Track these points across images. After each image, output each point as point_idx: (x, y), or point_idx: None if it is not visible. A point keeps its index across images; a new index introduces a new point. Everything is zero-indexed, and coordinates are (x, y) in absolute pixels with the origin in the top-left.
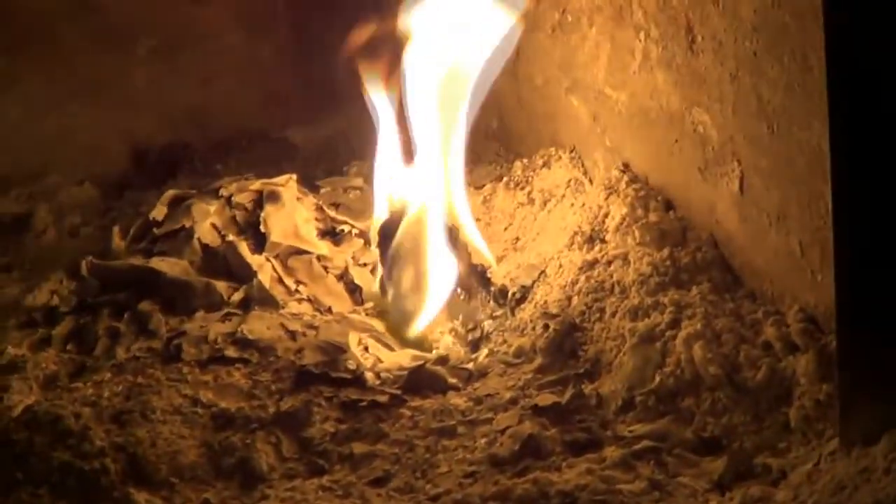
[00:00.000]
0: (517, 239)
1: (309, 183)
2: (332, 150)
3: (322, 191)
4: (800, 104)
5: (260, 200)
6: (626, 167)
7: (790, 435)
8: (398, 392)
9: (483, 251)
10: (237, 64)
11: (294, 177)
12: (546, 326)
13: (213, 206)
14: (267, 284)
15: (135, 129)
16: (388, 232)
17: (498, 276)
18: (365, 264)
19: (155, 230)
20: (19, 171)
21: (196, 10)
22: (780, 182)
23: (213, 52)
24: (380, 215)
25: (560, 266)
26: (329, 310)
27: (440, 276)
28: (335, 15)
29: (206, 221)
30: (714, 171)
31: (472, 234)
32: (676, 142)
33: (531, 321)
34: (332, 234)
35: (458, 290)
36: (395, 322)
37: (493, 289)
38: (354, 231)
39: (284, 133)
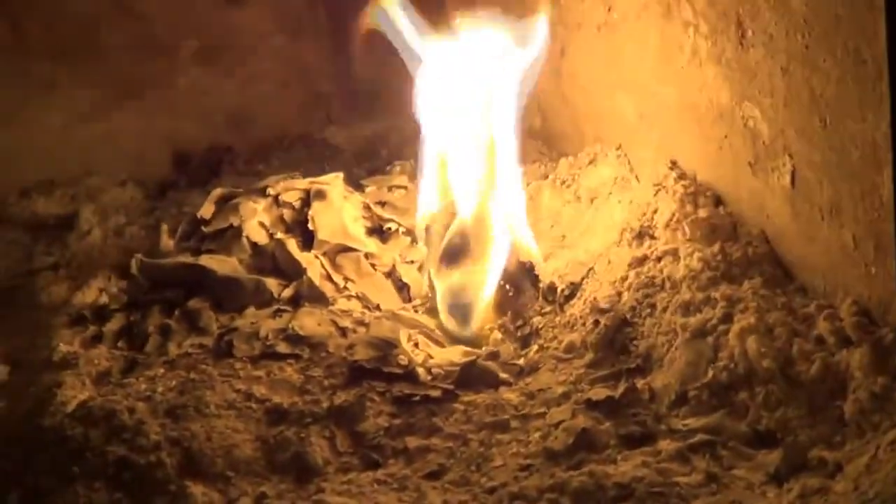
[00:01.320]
0: (564, 236)
1: (352, 182)
2: (374, 150)
3: (367, 189)
4: (853, 97)
5: (307, 199)
6: (674, 163)
7: (845, 428)
8: (450, 387)
9: (531, 248)
10: (278, 66)
11: (341, 175)
12: (596, 322)
13: (261, 205)
14: (316, 281)
15: (177, 133)
16: (435, 229)
17: (546, 272)
18: (412, 262)
19: (203, 228)
20: (63, 174)
21: (237, 13)
22: (833, 175)
23: (255, 54)
24: (426, 213)
25: (609, 262)
26: (377, 307)
27: (490, 272)
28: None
29: (254, 219)
30: (765, 165)
31: (522, 231)
32: (726, 137)
33: (581, 317)
34: (378, 231)
35: (507, 286)
36: (444, 318)
37: (541, 285)
38: (401, 229)
39: (326, 134)
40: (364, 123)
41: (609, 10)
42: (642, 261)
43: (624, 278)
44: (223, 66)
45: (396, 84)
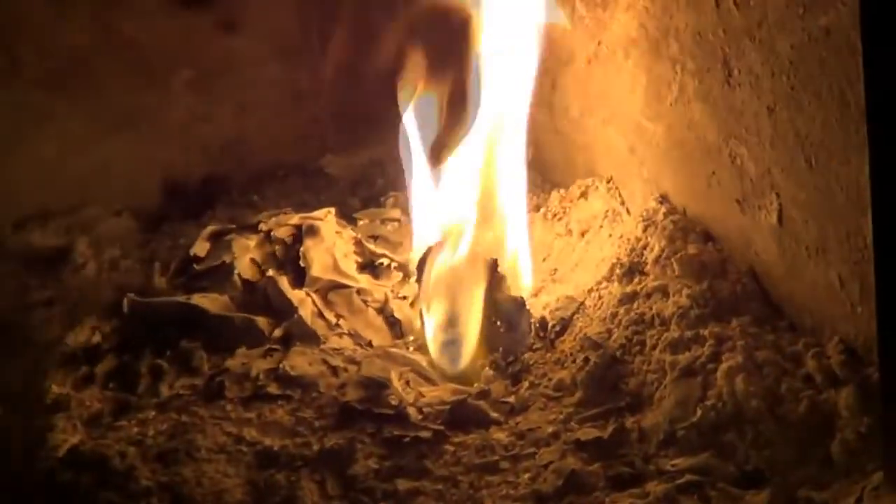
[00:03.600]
0: (555, 270)
1: (346, 213)
2: (369, 179)
3: (360, 223)
4: (838, 138)
5: (299, 235)
6: (663, 198)
7: (832, 468)
8: (441, 427)
9: (524, 282)
10: (273, 95)
11: (332, 210)
12: (586, 359)
13: (253, 241)
14: (308, 319)
15: (171, 162)
16: (426, 264)
17: (537, 307)
18: (404, 297)
19: (196, 266)
20: (57, 204)
21: (231, 41)
22: (819, 215)
23: (249, 83)
24: (419, 248)
25: (599, 298)
26: (370, 344)
27: (480, 308)
28: (370, 44)
29: (246, 257)
30: (752, 203)
31: (522, 264)
32: (714, 174)
33: (571, 354)
34: (371, 267)
35: (498, 322)
36: (434, 355)
37: (532, 321)
38: (393, 264)
39: (320, 163)
40: (360, 151)
41: (599, 44)
42: (632, 297)
43: (614, 315)
44: (217, 94)
45: (393, 110)
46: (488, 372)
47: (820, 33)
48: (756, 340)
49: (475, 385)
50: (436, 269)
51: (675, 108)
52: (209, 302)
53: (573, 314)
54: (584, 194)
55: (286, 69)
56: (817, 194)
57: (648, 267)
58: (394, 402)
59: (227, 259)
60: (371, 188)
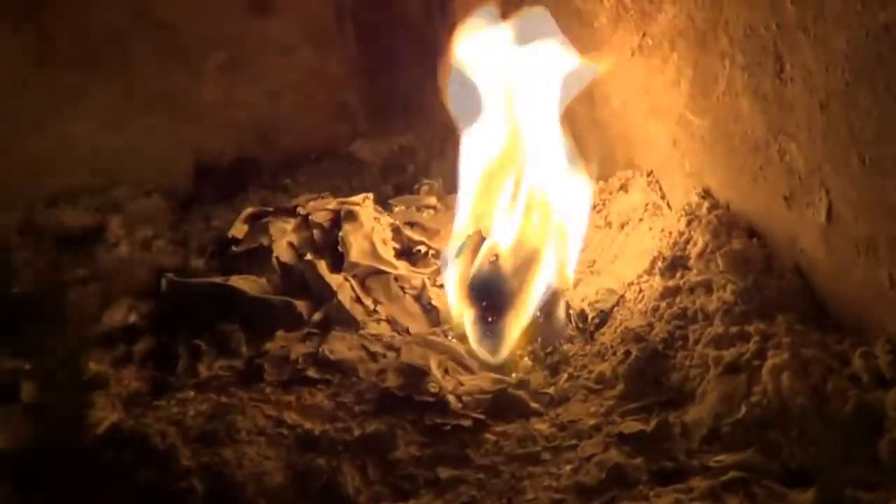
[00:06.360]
0: (594, 262)
1: (380, 201)
2: (400, 165)
3: (396, 209)
4: (893, 136)
5: (337, 220)
6: (706, 193)
7: (880, 468)
8: (482, 417)
9: (567, 273)
10: (305, 78)
11: (371, 196)
12: (628, 352)
13: (290, 225)
14: (346, 304)
15: (203, 144)
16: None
17: (575, 299)
18: (442, 285)
19: (234, 248)
20: (88, 184)
21: (264, 24)
22: (870, 213)
23: (281, 66)
24: (459, 234)
25: (640, 291)
26: (407, 330)
27: (528, 298)
28: (402, 28)
29: (284, 240)
30: (800, 199)
31: (570, 256)
32: (761, 169)
33: (612, 346)
34: (408, 254)
35: (538, 312)
36: (474, 344)
37: (571, 312)
38: (431, 251)
39: (352, 147)
40: (390, 137)
41: (643, 35)
42: (674, 291)
43: (656, 308)
44: (250, 77)
45: (424, 97)
46: (527, 362)
47: (878, 29)
48: (802, 338)
49: (514, 375)
50: (479, 258)
51: (722, 101)
52: (247, 284)
53: (613, 307)
54: (623, 186)
55: (319, 53)
56: (869, 192)
57: (691, 261)
58: (434, 390)
59: (264, 242)
60: (402, 174)
